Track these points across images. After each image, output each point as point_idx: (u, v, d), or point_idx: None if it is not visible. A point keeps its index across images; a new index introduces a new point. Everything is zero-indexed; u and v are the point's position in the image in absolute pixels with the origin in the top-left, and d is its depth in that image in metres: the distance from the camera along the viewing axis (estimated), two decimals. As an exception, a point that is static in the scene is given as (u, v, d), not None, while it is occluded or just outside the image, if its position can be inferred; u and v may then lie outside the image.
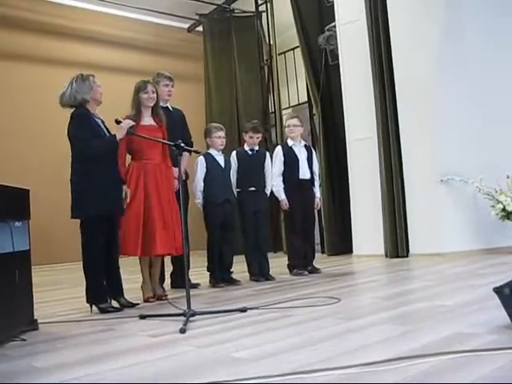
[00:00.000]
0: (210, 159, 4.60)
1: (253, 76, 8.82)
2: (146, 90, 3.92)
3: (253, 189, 4.77)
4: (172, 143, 3.33)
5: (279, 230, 8.11)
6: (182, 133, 4.41)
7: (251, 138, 4.80)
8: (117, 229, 3.53)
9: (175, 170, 4.21)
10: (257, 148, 4.88)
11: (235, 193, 4.81)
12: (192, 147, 4.28)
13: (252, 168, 4.78)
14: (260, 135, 4.84)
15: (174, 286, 4.53)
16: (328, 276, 4.75)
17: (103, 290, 3.41)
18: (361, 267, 5.50)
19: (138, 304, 3.58)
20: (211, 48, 8.84)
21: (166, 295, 3.93)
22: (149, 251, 3.71)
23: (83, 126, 3.36)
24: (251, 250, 4.75)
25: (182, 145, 3.30)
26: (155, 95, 3.94)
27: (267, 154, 4.98)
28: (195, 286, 4.46)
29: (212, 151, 4.66)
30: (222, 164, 4.65)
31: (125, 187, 3.61)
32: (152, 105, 3.94)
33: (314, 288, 3.97)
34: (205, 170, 4.58)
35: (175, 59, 9.27)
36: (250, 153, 4.84)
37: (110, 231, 3.46)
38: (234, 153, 4.88)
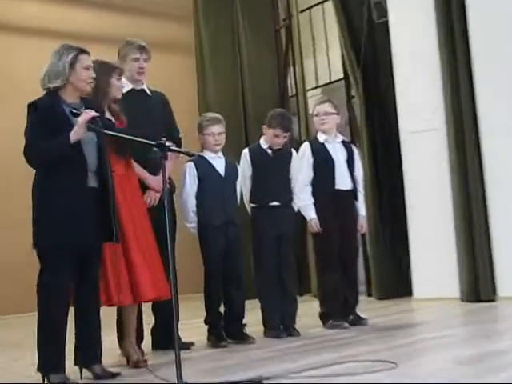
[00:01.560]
0: (202, 165, 4.67)
1: (264, 43, 8.87)
2: (118, 75, 4.10)
3: (275, 204, 4.84)
4: (153, 142, 3.37)
5: (306, 262, 8.09)
6: (165, 127, 4.47)
7: (277, 136, 4.85)
8: (96, 270, 3.61)
9: (154, 179, 4.26)
10: (279, 146, 4.93)
11: (248, 209, 4.88)
12: (180, 147, 4.33)
13: (274, 173, 4.85)
14: (286, 135, 4.89)
15: (156, 346, 4.56)
16: (378, 330, 4.75)
17: (59, 356, 3.46)
18: (425, 316, 5.50)
19: (118, 374, 3.62)
20: (204, 4, 8.88)
21: (146, 360, 3.97)
22: (134, 297, 3.82)
23: (38, 121, 3.48)
24: (269, 292, 4.79)
25: (168, 144, 3.32)
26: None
27: (294, 153, 5.04)
28: (188, 346, 4.49)
29: (206, 153, 4.73)
30: (222, 170, 4.71)
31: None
32: (119, 97, 4.08)
33: (359, 347, 3.98)
34: (196, 180, 4.65)
35: (153, 21, 9.35)
36: (271, 152, 4.89)
37: (84, 274, 3.54)
38: (245, 152, 4.95)
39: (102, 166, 3.60)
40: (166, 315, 4.28)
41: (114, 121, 3.99)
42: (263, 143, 4.92)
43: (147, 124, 4.22)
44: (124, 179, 3.94)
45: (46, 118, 3.48)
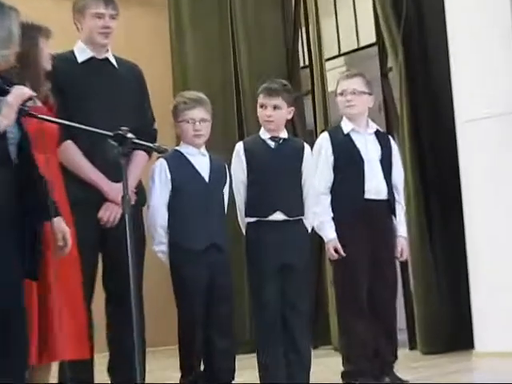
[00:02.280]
0: (178, 164, 4.74)
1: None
2: (46, 38, 4.06)
3: (280, 217, 4.87)
4: (109, 133, 3.42)
5: (323, 302, 8.10)
6: (136, 113, 4.56)
7: (262, 107, 4.93)
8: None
9: (112, 188, 4.35)
10: (284, 135, 4.98)
11: (243, 226, 4.93)
12: (155, 140, 4.44)
13: (278, 174, 4.88)
14: (282, 104, 4.93)
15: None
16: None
17: None
18: (490, 378, 5.48)
19: None
20: None
21: None
22: (48, 355, 3.85)
23: None
24: (272, 343, 4.82)
25: (129, 135, 3.37)
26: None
27: (306, 148, 5.08)
28: None
29: (184, 148, 4.80)
30: (205, 172, 4.76)
31: (58, 223, 3.71)
32: (49, 68, 4.09)
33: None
34: (169, 185, 4.69)
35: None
36: (273, 144, 4.94)
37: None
38: (239, 146, 5.00)
39: (25, 161, 3.53)
40: (126, 373, 4.40)
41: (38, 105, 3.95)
42: (263, 133, 4.98)
43: (110, 107, 4.30)
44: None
45: None
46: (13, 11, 3.51)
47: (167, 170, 4.69)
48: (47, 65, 4.07)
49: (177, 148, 4.80)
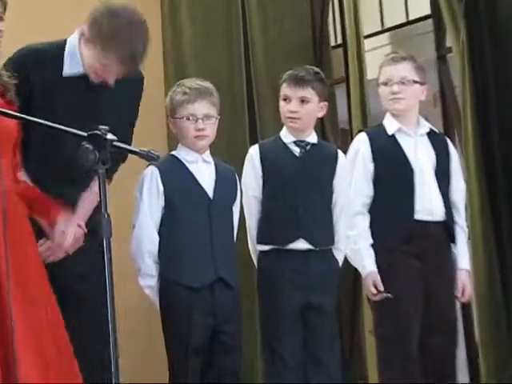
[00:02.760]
0: (174, 174, 4.77)
1: None
2: None
3: (302, 246, 4.90)
4: (83, 133, 3.43)
5: (359, 349, 8.08)
6: (117, 110, 4.58)
7: (286, 100, 4.99)
8: None
9: (61, 221, 4.31)
10: (313, 140, 5.02)
11: (254, 256, 5.02)
12: (129, 144, 4.40)
13: (302, 190, 4.93)
14: (309, 95, 4.99)
15: None
16: None
17: None
18: None
19: None
20: None
21: None
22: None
23: None
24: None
25: (110, 137, 3.38)
26: None
27: (340, 156, 5.14)
28: None
29: (182, 153, 4.82)
30: (209, 185, 4.79)
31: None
32: None
33: None
34: (161, 200, 4.71)
35: None
36: (298, 151, 4.99)
37: None
38: (253, 151, 5.07)
39: None
40: None
41: None
42: (285, 135, 5.02)
43: (83, 108, 4.35)
44: (8, 202, 3.95)
45: None
46: None
47: (159, 181, 4.72)
48: None
49: (173, 153, 4.87)
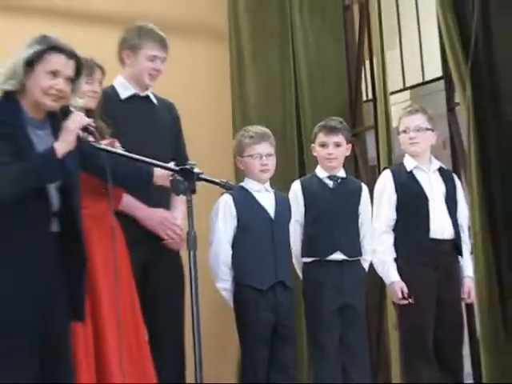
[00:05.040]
0: (244, 201, 4.78)
1: (329, 27, 8.89)
2: (91, 78, 4.15)
3: (339, 257, 4.91)
4: (176, 168, 3.53)
5: (385, 345, 8.05)
6: (172, 149, 4.66)
7: (323, 146, 5.01)
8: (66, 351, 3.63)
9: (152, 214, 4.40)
10: (342, 175, 5.05)
11: (298, 267, 4.99)
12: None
13: (337, 214, 4.95)
14: (342, 140, 5.04)
15: None
16: None
17: None
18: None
19: None
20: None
21: None
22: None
23: None
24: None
25: (197, 170, 3.45)
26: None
27: (364, 188, 5.17)
28: None
29: (249, 184, 4.83)
30: (270, 209, 4.80)
31: None
32: (93, 106, 4.20)
33: None
34: (235, 222, 4.72)
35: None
36: (332, 184, 4.99)
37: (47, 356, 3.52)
38: (295, 185, 5.06)
39: (68, 202, 3.58)
40: None
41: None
42: (320, 171, 5.05)
43: (150, 144, 4.35)
44: (105, 223, 3.99)
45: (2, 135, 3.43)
46: (37, 45, 3.51)
47: (233, 207, 4.73)
48: (89, 103, 4.13)
49: (241, 184, 4.85)
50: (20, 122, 3.47)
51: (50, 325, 3.50)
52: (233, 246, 4.72)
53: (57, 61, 3.51)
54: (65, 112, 3.56)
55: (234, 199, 4.73)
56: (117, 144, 4.13)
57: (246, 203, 4.77)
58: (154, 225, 4.47)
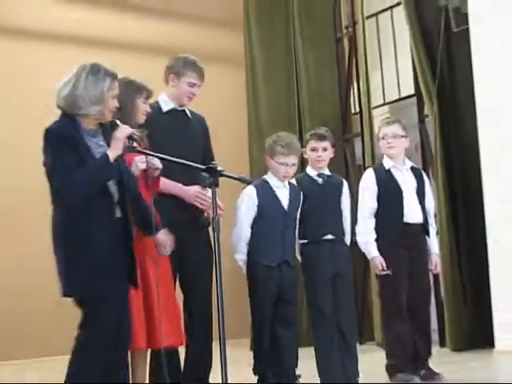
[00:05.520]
0: (265, 194, 4.72)
1: (324, 55, 8.88)
2: (148, 100, 4.23)
3: (330, 237, 4.89)
4: (202, 166, 3.55)
5: (368, 306, 8.09)
6: (203, 154, 4.66)
7: (314, 150, 4.96)
8: (127, 312, 3.66)
9: (188, 191, 4.44)
10: (328, 173, 5.02)
11: (297, 248, 4.92)
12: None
13: (327, 204, 4.92)
14: (328, 145, 4.98)
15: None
16: (455, 387, 4.74)
17: None
18: (509, 374, 5.44)
19: None
20: (257, 10, 9.02)
21: None
22: (153, 341, 3.97)
23: (65, 149, 3.45)
24: (327, 343, 4.80)
25: (219, 168, 3.47)
26: None
27: (344, 183, 5.12)
28: None
29: (271, 180, 4.78)
30: (285, 203, 4.75)
31: (160, 235, 3.83)
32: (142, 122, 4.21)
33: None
34: (255, 210, 4.69)
35: (198, 28, 9.51)
36: (320, 180, 4.98)
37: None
38: (293, 182, 4.97)
39: (124, 191, 3.64)
40: (195, 360, 4.56)
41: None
42: (311, 171, 5.00)
43: (186, 148, 4.38)
44: None
45: (69, 147, 3.47)
46: (108, 76, 3.58)
47: (255, 198, 4.67)
48: (140, 119, 4.19)
49: (265, 178, 4.78)
50: (80, 134, 3.54)
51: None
52: (252, 228, 4.67)
53: (117, 86, 3.63)
54: (113, 125, 3.65)
55: (257, 192, 4.67)
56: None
57: (266, 196, 4.67)
58: (190, 199, 4.50)
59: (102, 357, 3.50)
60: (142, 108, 4.19)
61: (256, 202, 4.68)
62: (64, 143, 3.45)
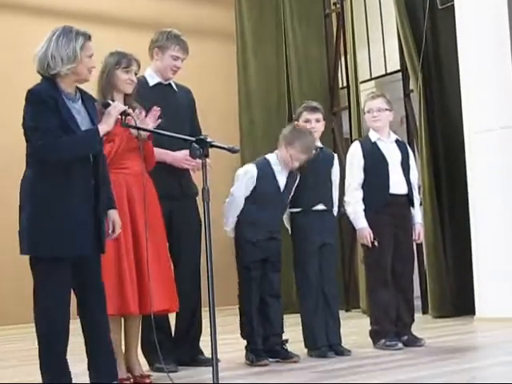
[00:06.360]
0: (265, 174, 4.71)
1: (313, 30, 8.89)
2: (129, 69, 4.15)
3: (321, 207, 4.89)
4: (192, 138, 3.51)
5: (355, 275, 8.15)
6: (189, 126, 4.64)
7: (307, 121, 4.92)
8: (97, 275, 3.59)
9: (176, 156, 4.44)
10: (320, 145, 5.00)
11: (287, 217, 4.93)
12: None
13: (318, 175, 4.91)
14: (321, 117, 4.97)
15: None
16: (436, 352, 4.73)
17: (62, 373, 3.47)
18: (488, 339, 5.46)
19: None
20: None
21: (149, 376, 4.10)
22: (145, 306, 3.95)
23: (46, 111, 3.41)
24: (312, 307, 4.82)
25: (209, 140, 3.44)
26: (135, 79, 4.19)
27: (335, 156, 5.11)
28: (206, 361, 4.41)
29: (274, 161, 4.77)
30: (282, 185, 4.74)
31: (114, 214, 3.72)
32: (130, 91, 4.17)
33: (417, 371, 3.97)
34: (253, 185, 4.68)
35: (188, 2, 9.49)
36: (314, 151, 4.93)
37: (82, 279, 3.53)
38: None
39: (99, 160, 3.59)
40: (186, 328, 4.60)
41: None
42: None
43: (173, 121, 4.34)
44: (140, 179, 4.01)
45: (49, 110, 3.42)
46: (81, 35, 3.52)
47: (255, 175, 4.68)
48: (126, 88, 4.16)
49: (268, 158, 4.78)
50: (61, 97, 3.48)
51: (87, 249, 3.51)
52: (246, 201, 4.67)
53: (92, 46, 3.56)
54: (105, 105, 3.68)
55: (258, 172, 4.67)
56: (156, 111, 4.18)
57: (266, 178, 4.66)
58: (179, 163, 4.50)
59: (56, 315, 3.44)
60: (122, 77, 4.13)
61: (255, 181, 4.67)
62: (45, 104, 3.41)
